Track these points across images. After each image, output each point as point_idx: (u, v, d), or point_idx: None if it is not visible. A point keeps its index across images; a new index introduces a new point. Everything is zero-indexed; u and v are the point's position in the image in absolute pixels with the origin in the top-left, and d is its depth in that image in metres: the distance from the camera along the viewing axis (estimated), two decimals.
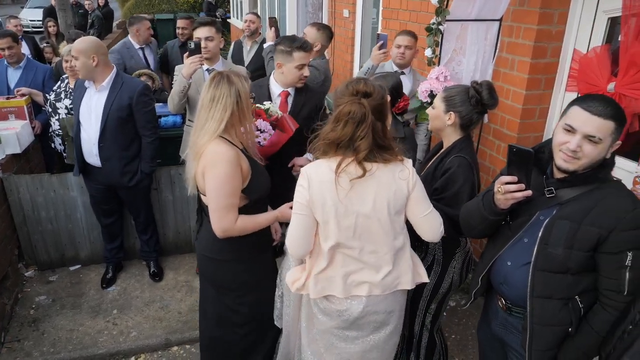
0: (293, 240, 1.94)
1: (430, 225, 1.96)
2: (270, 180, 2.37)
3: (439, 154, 2.40)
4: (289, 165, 2.99)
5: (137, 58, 5.07)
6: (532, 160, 1.64)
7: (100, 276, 3.89)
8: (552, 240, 1.69)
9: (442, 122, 2.33)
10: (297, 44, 2.87)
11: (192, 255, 4.16)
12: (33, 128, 4.19)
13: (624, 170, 2.71)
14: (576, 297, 1.72)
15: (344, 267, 1.95)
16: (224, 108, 2.09)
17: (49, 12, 10.50)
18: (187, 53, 3.11)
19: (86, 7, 12.07)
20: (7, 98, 4.14)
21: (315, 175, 1.85)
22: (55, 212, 3.84)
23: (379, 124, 1.84)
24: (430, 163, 2.43)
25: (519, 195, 1.67)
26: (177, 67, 3.49)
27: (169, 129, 4.19)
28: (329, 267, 1.96)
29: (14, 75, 4.52)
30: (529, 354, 1.80)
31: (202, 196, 2.25)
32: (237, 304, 2.42)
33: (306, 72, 2.98)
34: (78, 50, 3.15)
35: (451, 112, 2.29)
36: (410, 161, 1.93)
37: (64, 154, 4.11)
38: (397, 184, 1.87)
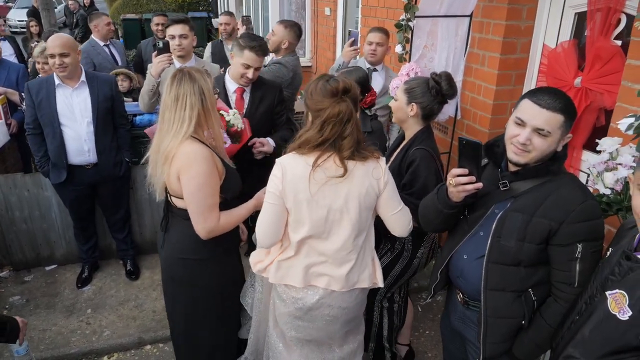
0: (263, 229, 1.94)
1: (401, 223, 2.02)
2: (240, 179, 2.35)
3: (402, 146, 2.45)
4: (250, 144, 2.97)
5: (104, 54, 5.06)
6: (480, 152, 1.63)
7: (76, 275, 3.86)
8: (505, 232, 1.69)
9: (404, 114, 2.41)
10: (252, 43, 2.86)
11: None
12: (9, 126, 4.16)
13: (588, 162, 2.72)
14: (529, 289, 1.72)
15: (307, 258, 1.98)
16: (190, 107, 2.01)
17: (33, 13, 10.42)
18: (156, 52, 3.14)
19: (70, 7, 11.99)
20: None
21: (290, 168, 1.86)
22: (29, 212, 3.81)
23: (358, 120, 1.88)
24: (395, 155, 2.46)
25: (470, 187, 1.66)
26: (149, 66, 3.47)
27: (144, 126, 4.15)
28: (294, 256, 1.99)
29: None
30: (483, 347, 1.80)
31: (173, 199, 2.17)
32: (210, 302, 2.40)
33: (250, 74, 2.93)
34: (69, 47, 3.12)
35: (413, 104, 2.36)
36: (383, 159, 1.96)
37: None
38: (370, 182, 1.90)
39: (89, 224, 3.79)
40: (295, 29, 3.73)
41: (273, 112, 3.19)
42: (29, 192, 3.75)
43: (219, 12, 14.18)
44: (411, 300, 2.97)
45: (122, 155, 3.55)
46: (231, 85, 3.06)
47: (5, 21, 6.91)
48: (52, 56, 3.09)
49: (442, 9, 3.10)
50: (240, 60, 2.89)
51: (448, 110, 3.37)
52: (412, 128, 2.42)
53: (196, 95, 2.02)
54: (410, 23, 3.05)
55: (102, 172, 3.46)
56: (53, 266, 4.02)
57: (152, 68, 3.17)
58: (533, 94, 1.65)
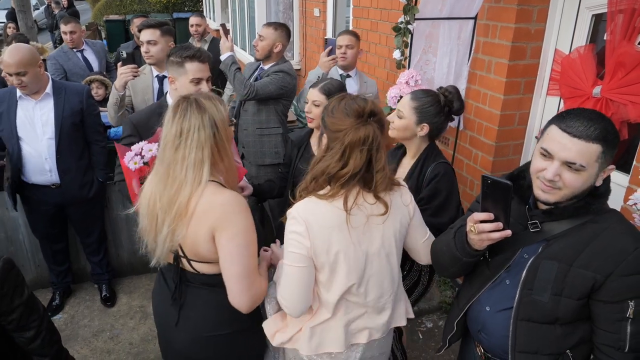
0: (293, 298, 1.59)
1: (429, 250, 1.79)
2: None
3: (414, 161, 2.23)
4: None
5: (74, 60, 4.71)
6: (510, 195, 1.33)
7: (47, 303, 3.53)
8: (538, 284, 1.40)
9: (411, 133, 2.19)
10: (188, 52, 2.32)
11: (149, 276, 3.85)
12: None
13: (613, 182, 2.46)
14: (567, 351, 1.43)
15: (347, 315, 1.67)
16: (200, 144, 1.55)
17: (12, 15, 10.03)
18: (120, 62, 2.88)
19: (51, 8, 11.61)
20: None
21: (315, 218, 1.54)
22: None
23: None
24: (408, 172, 2.23)
25: (496, 236, 1.37)
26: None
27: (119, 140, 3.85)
28: (332, 318, 1.67)
29: None
30: None
31: (195, 265, 1.67)
32: None
33: (204, 87, 2.36)
34: (26, 63, 2.75)
35: (425, 124, 2.15)
36: (405, 184, 1.73)
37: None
38: (401, 211, 1.67)
39: (63, 248, 3.46)
40: (284, 29, 3.41)
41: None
42: None
43: (204, 12, 13.85)
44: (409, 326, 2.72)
45: (93, 175, 3.23)
46: None
47: None
48: (10, 74, 2.77)
49: (444, 11, 2.82)
50: (186, 77, 2.32)
51: None
52: (418, 145, 2.22)
53: (207, 130, 1.57)
54: (409, 26, 2.76)
55: (67, 195, 3.14)
56: None
57: (116, 81, 2.89)
58: (561, 119, 1.35)
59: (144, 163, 2.07)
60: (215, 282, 1.66)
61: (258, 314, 1.80)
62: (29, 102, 2.92)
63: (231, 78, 3.18)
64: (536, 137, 2.77)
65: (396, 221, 1.65)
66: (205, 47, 4.87)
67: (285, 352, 1.83)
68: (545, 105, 2.93)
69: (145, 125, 2.24)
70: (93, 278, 3.68)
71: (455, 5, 2.80)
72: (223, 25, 3.32)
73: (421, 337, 3.31)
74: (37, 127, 2.95)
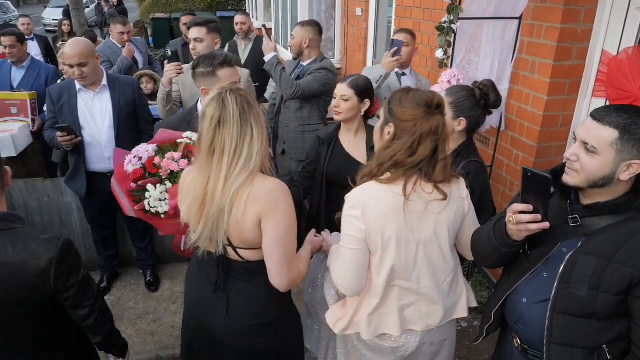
0: (348, 279, 1.68)
1: None
2: None
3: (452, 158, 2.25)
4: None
5: (119, 54, 4.92)
6: (549, 188, 1.38)
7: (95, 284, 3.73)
8: (575, 278, 1.42)
9: (450, 128, 2.18)
10: (218, 60, 2.34)
11: None
12: (34, 122, 4.05)
13: None
14: (604, 346, 1.44)
15: (400, 301, 1.75)
16: (246, 135, 1.61)
17: (67, 12, 10.52)
18: (166, 60, 3.07)
19: (102, 5, 12.10)
20: (12, 91, 4.07)
21: (372, 202, 1.62)
22: (49, 218, 3.70)
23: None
24: None
25: (534, 227, 1.41)
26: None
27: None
28: (383, 302, 1.75)
29: (17, 75, 4.47)
30: None
31: (240, 252, 1.73)
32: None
33: None
34: (87, 55, 2.94)
35: (462, 118, 2.18)
36: (462, 179, 1.79)
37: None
38: (457, 203, 1.72)
39: (110, 233, 3.65)
40: (313, 26, 3.52)
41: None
42: (49, 197, 3.63)
43: (247, 11, 14.09)
44: None
45: None
46: None
47: (31, 20, 6.88)
48: (71, 66, 2.95)
49: (489, 11, 2.83)
50: (220, 85, 2.15)
51: (490, 120, 3.09)
52: (455, 140, 2.23)
53: (253, 119, 1.63)
54: (453, 25, 2.78)
55: None
56: None
57: (163, 77, 3.07)
58: (600, 109, 1.42)
59: (142, 165, 2.14)
60: (258, 269, 1.73)
61: (291, 298, 1.90)
62: (87, 94, 3.11)
63: (277, 78, 3.27)
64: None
65: (451, 212, 1.70)
66: (250, 45, 5.01)
67: (345, 337, 1.91)
68: (590, 106, 2.89)
69: (175, 130, 2.32)
70: (138, 263, 3.85)
71: (501, 5, 2.81)
72: (264, 27, 3.43)
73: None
74: (97, 117, 3.13)
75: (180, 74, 3.10)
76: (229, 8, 15.81)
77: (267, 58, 3.34)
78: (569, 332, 1.46)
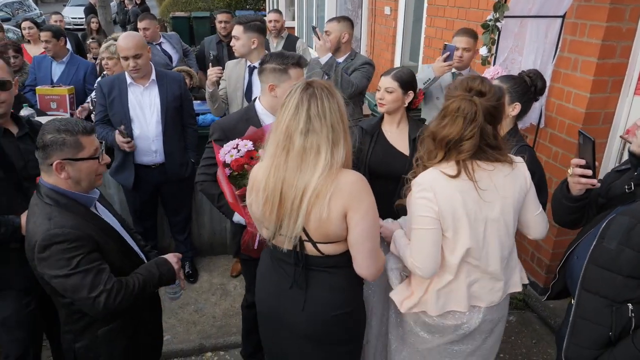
0: (425, 259, 1.75)
1: (543, 222, 1.92)
2: None
3: None
4: None
5: (154, 52, 4.98)
6: (593, 148, 1.67)
7: None
8: (609, 234, 1.60)
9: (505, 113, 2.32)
10: (293, 59, 2.31)
11: (227, 257, 4.08)
12: (72, 116, 4.16)
13: None
14: (629, 304, 1.57)
15: (468, 278, 1.84)
16: (330, 129, 1.59)
17: (91, 10, 10.69)
18: (211, 63, 3.27)
19: (125, 3, 12.26)
20: (52, 86, 4.16)
21: (439, 184, 1.72)
22: None
23: (489, 127, 1.74)
24: None
25: (584, 181, 1.69)
26: (226, 64, 3.53)
27: (207, 126, 4.10)
28: (455, 279, 1.83)
29: (57, 70, 4.56)
30: (566, 345, 1.73)
31: (320, 246, 1.70)
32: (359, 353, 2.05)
33: None
34: (142, 47, 3.08)
35: (516, 103, 2.34)
36: (520, 158, 1.89)
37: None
38: (519, 182, 1.81)
39: (151, 225, 3.74)
40: (348, 21, 3.59)
41: None
42: None
43: (267, 11, 14.18)
44: None
45: (188, 156, 3.49)
46: (270, 120, 2.42)
47: (63, 17, 7.03)
48: (126, 58, 3.04)
49: (534, 9, 2.87)
50: (289, 84, 2.25)
51: (530, 117, 3.14)
52: (505, 126, 2.36)
53: (336, 114, 1.61)
54: (498, 23, 2.83)
55: (168, 173, 3.40)
56: None
57: (207, 80, 3.30)
58: None
59: (240, 156, 2.17)
60: (336, 263, 1.74)
61: (362, 288, 1.93)
62: (137, 88, 3.20)
63: (338, 78, 3.28)
64: (621, 137, 2.77)
65: (515, 191, 1.78)
66: (282, 43, 5.07)
67: (401, 321, 2.00)
68: (632, 104, 2.93)
69: (232, 129, 2.36)
70: None
71: (545, 4, 2.85)
72: (314, 28, 3.49)
73: None
74: (146, 111, 3.23)
75: (220, 77, 3.28)
76: (247, 7, 15.91)
77: (324, 59, 3.32)
78: (595, 281, 1.65)
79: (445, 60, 3.15)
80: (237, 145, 2.15)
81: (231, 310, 3.50)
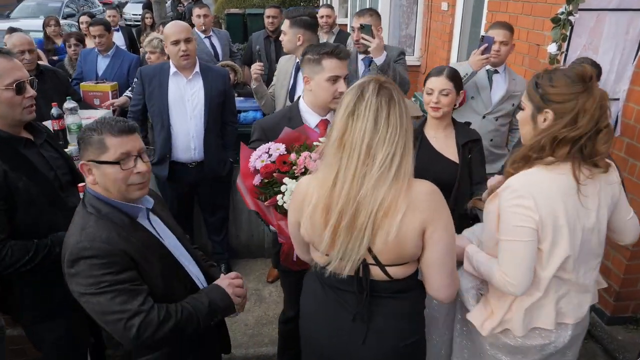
0: (518, 274, 1.58)
1: (634, 227, 1.78)
2: None
3: None
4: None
5: (202, 45, 4.94)
6: None
7: None
8: None
9: None
10: (327, 49, 2.12)
11: (264, 261, 3.94)
12: (114, 112, 4.14)
13: None
14: None
15: (557, 292, 1.69)
16: (399, 137, 1.38)
17: (148, 6, 10.97)
18: (257, 59, 3.21)
19: (179, 1, 12.53)
20: (96, 82, 4.19)
21: (540, 190, 1.55)
22: None
23: None
24: None
25: None
26: (280, 60, 3.42)
27: (248, 124, 3.98)
28: (544, 296, 1.68)
29: (102, 63, 4.60)
30: None
31: (391, 270, 1.50)
32: None
33: (342, 87, 2.13)
34: (191, 31, 3.01)
35: None
36: (612, 162, 1.74)
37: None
38: (612, 187, 1.68)
39: (186, 225, 3.63)
40: (377, 13, 3.34)
41: None
42: None
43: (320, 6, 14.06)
44: None
45: (226, 154, 3.35)
46: (311, 118, 2.26)
47: (121, 14, 7.18)
48: (176, 42, 2.92)
49: (614, 1, 2.52)
50: (322, 75, 2.12)
51: None
52: None
53: (405, 119, 1.40)
54: (571, 17, 2.50)
55: (206, 171, 3.28)
56: None
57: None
58: None
59: (272, 162, 1.98)
60: (403, 287, 1.54)
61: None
62: (180, 79, 3.07)
63: (396, 77, 3.08)
64: None
65: (608, 197, 1.64)
66: (332, 39, 4.91)
67: (471, 344, 1.85)
68: None
69: (273, 129, 2.17)
70: (213, 257, 3.82)
71: None
72: (366, 27, 3.24)
73: None
74: (187, 105, 3.09)
75: (260, 74, 3.12)
76: (301, 4, 15.84)
77: (379, 60, 3.07)
78: None
79: (482, 53, 2.86)
80: (269, 149, 1.96)
81: (264, 318, 3.34)
